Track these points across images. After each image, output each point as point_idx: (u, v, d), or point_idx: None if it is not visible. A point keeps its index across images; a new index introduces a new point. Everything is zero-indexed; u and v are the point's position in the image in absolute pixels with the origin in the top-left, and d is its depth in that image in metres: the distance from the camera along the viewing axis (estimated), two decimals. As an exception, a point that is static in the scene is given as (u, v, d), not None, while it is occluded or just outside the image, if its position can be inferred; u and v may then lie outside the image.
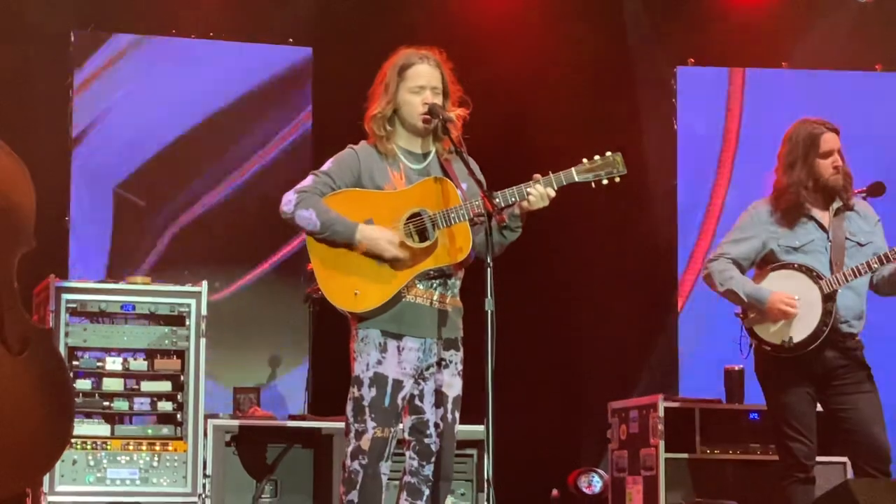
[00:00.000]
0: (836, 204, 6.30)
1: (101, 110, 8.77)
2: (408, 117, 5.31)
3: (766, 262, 6.32)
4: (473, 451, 7.17)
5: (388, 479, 5.24)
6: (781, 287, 6.18)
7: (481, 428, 4.92)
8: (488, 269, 4.97)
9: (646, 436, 7.60)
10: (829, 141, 6.25)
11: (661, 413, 7.48)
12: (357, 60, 7.09)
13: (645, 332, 9.32)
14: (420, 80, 5.28)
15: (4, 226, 5.31)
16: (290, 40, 9.16)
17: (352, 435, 5.19)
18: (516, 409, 7.69)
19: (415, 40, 5.45)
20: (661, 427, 7.47)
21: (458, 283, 5.34)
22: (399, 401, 5.20)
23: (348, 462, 5.18)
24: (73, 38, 8.72)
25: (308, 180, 5.31)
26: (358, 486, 5.15)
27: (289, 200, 5.26)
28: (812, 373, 6.19)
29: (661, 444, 7.45)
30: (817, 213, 6.29)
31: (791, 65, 9.48)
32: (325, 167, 5.35)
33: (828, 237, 6.26)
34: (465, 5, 9.15)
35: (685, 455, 7.53)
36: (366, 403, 5.17)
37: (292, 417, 7.55)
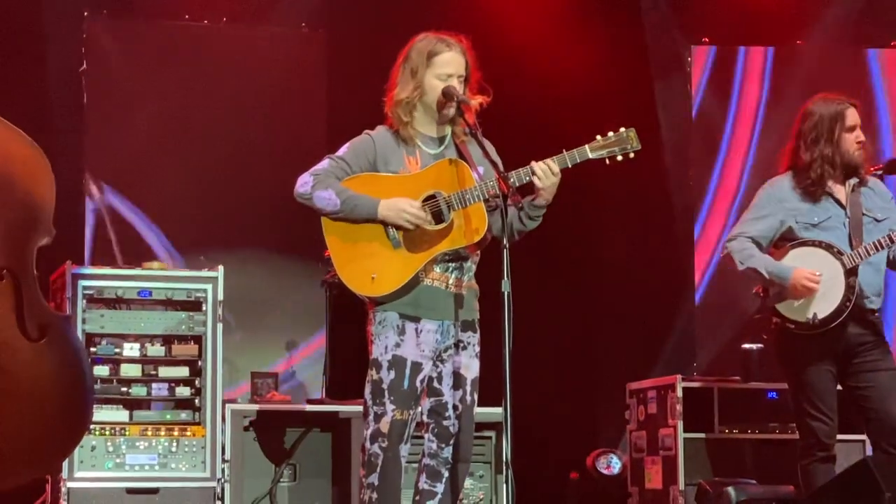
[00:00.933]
0: (853, 180, 6.27)
1: (115, 95, 8.76)
2: (432, 104, 5.27)
3: (784, 240, 6.29)
4: (492, 434, 7.15)
5: (407, 461, 5.24)
6: (803, 264, 6.14)
7: (499, 410, 4.90)
8: (505, 251, 4.96)
9: (664, 416, 7.58)
10: (853, 115, 6.23)
11: (679, 393, 7.46)
12: (371, 45, 7.08)
13: (662, 313, 9.30)
14: (448, 69, 5.24)
15: (25, 215, 5.30)
16: (303, 25, 9.14)
17: (371, 418, 5.18)
18: (534, 390, 7.69)
19: (429, 22, 5.42)
20: (679, 407, 7.45)
21: (474, 266, 5.32)
22: (418, 383, 5.19)
23: (368, 445, 5.17)
24: (85, 24, 8.72)
25: (324, 163, 5.28)
26: (378, 469, 5.15)
27: (305, 182, 5.24)
28: (833, 350, 6.17)
29: (680, 424, 7.44)
30: (835, 188, 6.25)
31: (807, 43, 9.43)
32: (340, 152, 5.32)
33: (846, 213, 6.22)
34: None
35: (704, 435, 7.52)
36: (385, 386, 5.16)
37: (310, 401, 7.54)
